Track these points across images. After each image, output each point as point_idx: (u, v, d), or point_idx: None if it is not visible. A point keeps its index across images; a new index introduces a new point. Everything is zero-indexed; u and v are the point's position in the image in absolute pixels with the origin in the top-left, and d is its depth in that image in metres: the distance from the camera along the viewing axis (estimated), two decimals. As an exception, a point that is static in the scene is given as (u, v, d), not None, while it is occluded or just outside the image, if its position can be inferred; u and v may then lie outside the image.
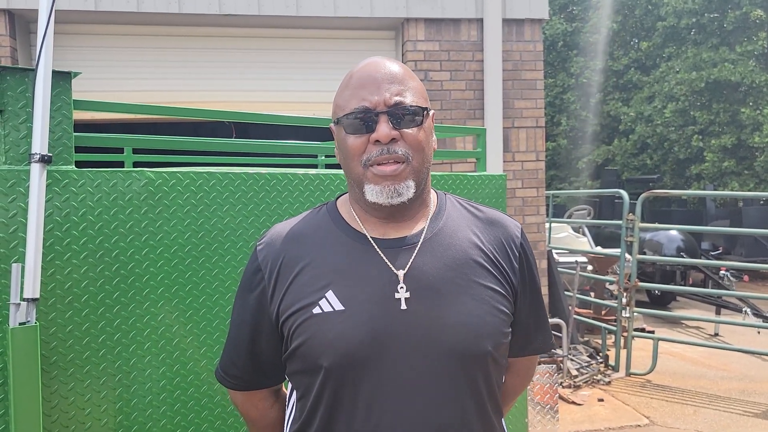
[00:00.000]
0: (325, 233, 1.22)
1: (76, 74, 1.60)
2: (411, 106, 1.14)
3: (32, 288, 1.46)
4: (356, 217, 1.21)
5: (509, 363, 1.32)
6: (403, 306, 1.12)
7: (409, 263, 1.15)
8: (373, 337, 1.10)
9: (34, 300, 1.47)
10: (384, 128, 1.11)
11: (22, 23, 5.06)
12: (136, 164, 3.58)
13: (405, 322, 1.11)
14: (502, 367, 1.22)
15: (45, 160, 1.47)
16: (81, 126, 5.40)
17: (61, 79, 1.58)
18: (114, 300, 1.65)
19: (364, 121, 1.13)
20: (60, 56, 5.27)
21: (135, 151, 3.60)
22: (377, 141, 1.11)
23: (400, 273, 1.13)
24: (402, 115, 1.13)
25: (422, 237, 1.18)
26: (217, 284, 1.79)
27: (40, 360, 1.50)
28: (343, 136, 1.16)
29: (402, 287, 1.12)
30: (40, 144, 1.48)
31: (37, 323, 1.48)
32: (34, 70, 1.49)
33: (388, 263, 1.15)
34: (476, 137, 2.54)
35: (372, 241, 1.17)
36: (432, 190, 1.30)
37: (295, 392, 1.21)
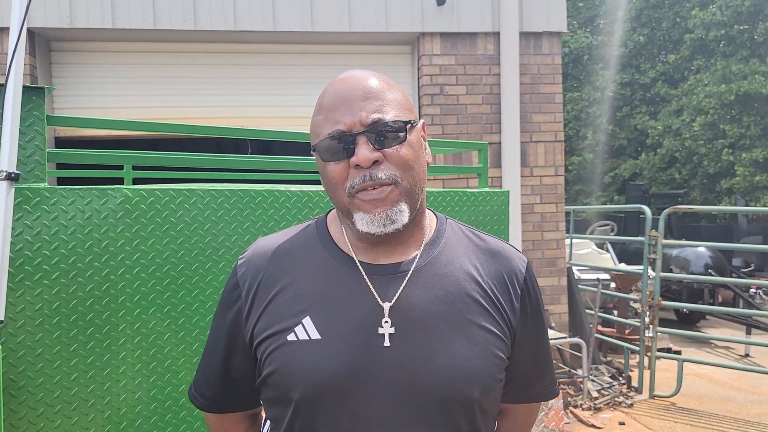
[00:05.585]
0: (310, 252, 1.12)
1: (50, 90, 1.56)
2: (391, 122, 1.03)
3: (-3, 310, 1.41)
4: (345, 237, 1.12)
5: (506, 409, 1.21)
6: (387, 343, 1.02)
7: (397, 294, 1.05)
8: (349, 372, 1.01)
9: (-1, 322, 1.42)
10: (363, 151, 1.00)
11: (42, 41, 5.14)
12: (136, 181, 3.55)
13: (386, 360, 1.02)
14: (490, 415, 1.12)
15: (12, 178, 1.43)
16: (89, 143, 5.46)
17: (34, 94, 1.53)
18: (87, 322, 1.59)
19: (341, 145, 1.02)
20: (79, 73, 5.35)
21: (136, 168, 3.58)
22: (358, 165, 1.01)
23: (386, 306, 1.04)
24: (383, 134, 1.02)
25: (413, 265, 1.08)
26: (197, 306, 1.73)
27: (7, 385, 1.45)
28: (322, 164, 1.06)
29: (387, 322, 1.03)
30: (8, 161, 1.43)
31: (1, 346, 1.43)
32: (3, 86, 1.45)
33: (375, 293, 1.05)
34: (478, 152, 2.44)
35: (360, 266, 1.08)
36: (431, 213, 1.19)
37: (269, 421, 1.13)
